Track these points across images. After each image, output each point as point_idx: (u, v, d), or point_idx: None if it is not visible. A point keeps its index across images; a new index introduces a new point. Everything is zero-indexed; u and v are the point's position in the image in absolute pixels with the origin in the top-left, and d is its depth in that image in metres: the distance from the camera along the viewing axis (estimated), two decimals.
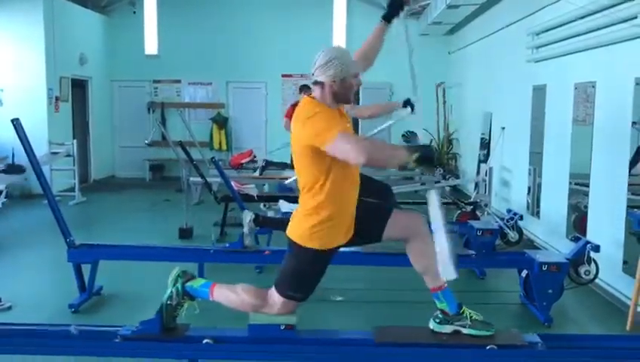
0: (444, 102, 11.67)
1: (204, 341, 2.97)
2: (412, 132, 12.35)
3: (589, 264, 4.62)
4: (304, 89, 8.84)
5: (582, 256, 4.60)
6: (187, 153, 6.88)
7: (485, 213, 7.15)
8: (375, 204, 3.13)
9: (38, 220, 8.01)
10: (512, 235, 6.36)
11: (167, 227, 7.44)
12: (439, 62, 12.22)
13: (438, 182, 2.57)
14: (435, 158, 2.64)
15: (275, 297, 2.92)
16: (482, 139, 9.43)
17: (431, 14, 10.47)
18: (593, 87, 5.47)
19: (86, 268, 4.73)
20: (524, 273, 4.74)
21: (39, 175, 4.38)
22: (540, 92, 6.91)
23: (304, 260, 2.84)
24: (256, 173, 8.64)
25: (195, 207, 8.85)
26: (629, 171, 4.79)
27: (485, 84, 9.59)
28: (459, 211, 7.29)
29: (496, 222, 6.26)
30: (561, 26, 6.16)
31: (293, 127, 2.77)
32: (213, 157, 6.54)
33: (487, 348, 2.89)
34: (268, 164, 8.62)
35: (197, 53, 12.59)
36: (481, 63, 9.92)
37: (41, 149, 8.75)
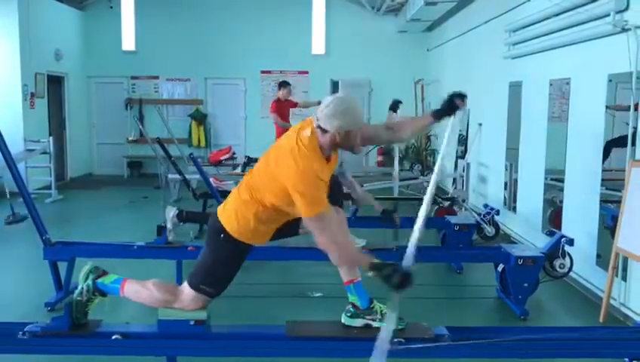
0: (423, 99, 11.73)
1: (114, 337, 2.95)
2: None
3: (564, 258, 4.71)
4: (283, 85, 8.87)
5: (557, 249, 4.68)
6: (165, 150, 6.85)
7: (462, 208, 7.21)
8: None
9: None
10: (489, 230, 6.43)
11: (146, 224, 7.38)
12: (418, 58, 12.30)
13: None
14: (397, 283, 2.63)
15: (187, 292, 2.93)
16: (460, 135, 9.50)
17: (409, 11, 10.52)
18: (568, 83, 5.55)
19: (62, 266, 4.68)
20: (500, 267, 4.79)
21: (14, 173, 4.33)
22: (516, 88, 6.99)
23: (223, 247, 2.87)
24: (238, 170, 8.63)
25: (173, 204, 8.79)
26: (602, 164, 4.87)
27: (463, 80, 9.65)
28: (436, 206, 7.34)
29: (474, 217, 6.34)
30: (537, 23, 6.23)
31: (282, 152, 2.75)
32: (191, 154, 6.51)
33: (395, 340, 2.91)
34: (250, 161, 8.61)
35: (175, 49, 12.51)
36: (459, 60, 10.00)
37: (16, 146, 8.64)
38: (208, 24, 12.43)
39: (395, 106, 7.80)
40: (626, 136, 4.44)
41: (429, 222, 6.79)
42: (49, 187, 9.56)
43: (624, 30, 4.46)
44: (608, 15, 4.68)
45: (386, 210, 4.85)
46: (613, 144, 4.78)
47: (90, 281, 3.02)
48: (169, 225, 5.03)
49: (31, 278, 5.48)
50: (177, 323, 2.95)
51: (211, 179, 6.50)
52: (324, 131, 2.75)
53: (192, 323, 2.95)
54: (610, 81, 4.77)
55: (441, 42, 11.26)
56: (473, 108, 8.96)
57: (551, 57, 5.98)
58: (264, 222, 2.88)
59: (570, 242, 4.67)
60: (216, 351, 3.02)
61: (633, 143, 4.38)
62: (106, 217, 8.40)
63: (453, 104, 2.95)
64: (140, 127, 9.01)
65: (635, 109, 4.33)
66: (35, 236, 4.61)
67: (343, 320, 3.08)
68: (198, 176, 6.80)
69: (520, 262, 4.45)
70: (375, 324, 3.02)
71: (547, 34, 5.97)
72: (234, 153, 9.86)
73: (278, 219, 2.93)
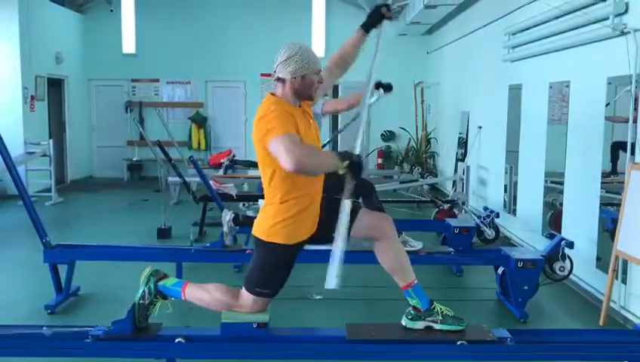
0: (422, 102, 11.75)
1: (177, 340, 2.97)
2: (391, 131, 12.45)
3: (564, 260, 4.70)
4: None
5: (557, 252, 4.67)
6: (165, 153, 6.84)
7: (462, 211, 7.22)
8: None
9: (14, 221, 7.91)
10: (489, 233, 6.43)
11: (146, 227, 7.40)
12: (417, 61, 12.33)
13: (352, 196, 2.57)
14: (362, 168, 2.67)
15: (245, 295, 2.93)
16: (460, 138, 9.52)
17: (409, 14, 10.54)
18: (567, 86, 5.55)
19: (63, 269, 4.68)
20: (500, 270, 4.80)
21: (14, 175, 4.33)
22: (516, 91, 7.00)
23: (268, 256, 2.86)
24: (220, 172, 8.62)
25: (173, 207, 8.82)
26: (614, 170, 4.86)
27: (462, 83, 9.68)
28: (437, 209, 7.36)
29: (474, 219, 6.34)
30: (536, 26, 6.24)
31: (255, 121, 2.77)
32: (191, 157, 6.51)
33: (458, 343, 2.93)
34: (234, 163, 8.59)
35: (175, 52, 12.53)
36: (459, 63, 10.01)
37: (16, 149, 8.65)
38: (208, 27, 12.46)
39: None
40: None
41: (429, 225, 6.89)
42: (49, 190, 9.57)
43: (623, 33, 4.47)
44: (607, 18, 4.69)
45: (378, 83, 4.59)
46: (621, 146, 4.76)
47: (151, 284, 3.02)
48: (225, 229, 5.01)
49: (31, 281, 5.48)
50: (240, 326, 2.96)
51: (211, 182, 6.50)
52: (282, 82, 2.78)
53: (254, 325, 2.96)
54: (609, 83, 4.77)
55: (440, 45, 11.28)
56: (473, 111, 8.99)
57: (550, 60, 5.99)
58: (287, 208, 2.80)
59: (570, 245, 4.67)
60: (278, 354, 3.03)
61: (632, 146, 4.38)
62: (107, 220, 8.40)
63: (379, 13, 3.06)
64: (141, 129, 9.01)
65: (635, 111, 4.33)
66: (35, 239, 4.62)
67: (403, 323, 3.05)
68: (198, 179, 6.80)
69: (520, 264, 4.45)
70: (437, 326, 3.00)
71: (547, 37, 5.98)
72: (234, 156, 9.86)
73: (293, 193, 2.80)
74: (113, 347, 2.98)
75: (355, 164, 2.66)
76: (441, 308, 3.03)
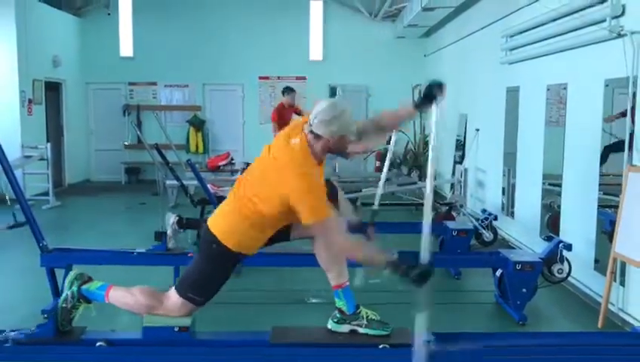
0: None
1: (98, 344, 2.95)
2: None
3: (562, 263, 4.70)
4: (287, 91, 8.81)
5: (555, 255, 4.67)
6: (163, 156, 6.84)
7: (461, 213, 7.21)
8: None
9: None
10: (487, 235, 6.43)
11: (143, 230, 7.36)
12: (415, 64, 12.32)
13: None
14: (417, 277, 2.67)
15: (173, 298, 2.91)
16: (457, 140, 9.51)
17: (407, 17, 10.56)
18: (565, 88, 5.56)
19: (60, 273, 4.66)
20: (498, 272, 4.79)
21: (11, 179, 4.31)
22: (513, 94, 7.00)
23: (215, 257, 2.86)
24: (237, 176, 8.61)
25: (171, 210, 8.79)
26: (600, 167, 4.87)
27: (460, 86, 9.67)
28: (435, 212, 7.34)
29: (472, 222, 6.34)
30: (533, 28, 6.25)
31: (278, 165, 2.76)
32: (188, 160, 6.50)
33: (380, 347, 2.92)
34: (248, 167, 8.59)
35: (173, 55, 12.52)
36: (457, 65, 10.02)
37: (14, 153, 8.64)
38: (206, 30, 12.45)
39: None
40: (623, 142, 4.44)
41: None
42: (47, 193, 9.56)
43: (620, 35, 4.47)
44: (604, 20, 4.69)
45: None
46: (611, 149, 4.79)
47: (75, 288, 3.01)
48: (169, 232, 5.01)
49: (28, 285, 5.46)
50: (162, 329, 2.94)
51: (209, 185, 6.49)
52: (317, 137, 2.78)
53: (176, 329, 2.94)
54: (606, 86, 4.77)
55: (438, 48, 11.29)
56: (471, 114, 8.99)
57: (548, 62, 5.99)
58: (260, 231, 2.88)
59: (569, 247, 4.67)
60: (200, 358, 3.01)
61: (630, 148, 4.38)
62: (104, 223, 8.38)
63: (432, 93, 3.01)
64: (138, 133, 9.01)
65: (632, 114, 4.34)
66: (32, 243, 4.59)
67: (329, 326, 3.07)
68: (195, 182, 6.79)
69: (518, 267, 4.44)
70: (361, 330, 3.01)
71: (544, 39, 5.98)
72: (232, 159, 9.85)
73: (274, 226, 2.92)
74: (34, 351, 2.96)
75: (413, 274, 2.69)
76: (366, 312, 3.05)
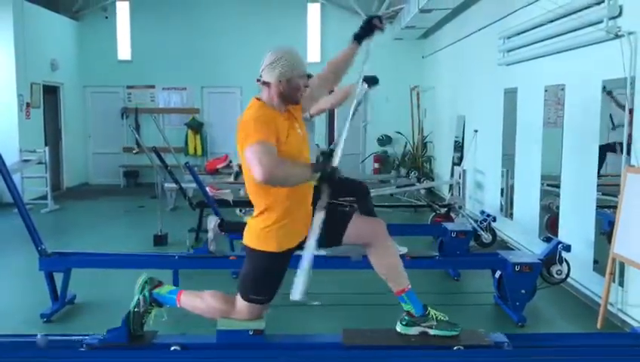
0: (419, 106, 11.76)
1: (172, 348, 2.94)
2: (387, 136, 12.46)
3: (561, 264, 4.71)
4: None
5: (554, 256, 4.68)
6: (161, 159, 6.83)
7: (459, 215, 7.22)
8: (336, 206, 3.14)
9: (9, 229, 7.87)
10: (486, 236, 6.43)
11: (142, 234, 7.38)
12: (413, 66, 12.34)
13: (325, 207, 2.54)
14: (336, 179, 2.62)
15: (240, 302, 2.91)
16: (456, 142, 9.52)
17: (404, 19, 10.56)
18: (562, 89, 5.56)
19: (59, 277, 4.66)
20: (497, 274, 4.79)
21: (9, 183, 4.31)
22: (511, 95, 7.01)
23: (259, 263, 2.84)
24: (231, 179, 8.61)
25: (170, 213, 8.80)
26: (599, 170, 4.88)
27: (458, 87, 9.69)
28: (433, 213, 7.35)
29: (470, 223, 6.34)
30: (531, 29, 6.26)
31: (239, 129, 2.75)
32: (186, 163, 6.51)
33: (455, 348, 2.92)
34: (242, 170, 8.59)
35: (171, 58, 12.52)
36: (454, 67, 10.03)
37: (11, 157, 8.62)
38: (204, 33, 12.46)
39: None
40: (620, 142, 4.45)
41: (426, 230, 6.88)
42: (45, 197, 9.55)
43: (618, 36, 4.48)
44: (602, 21, 4.70)
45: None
46: (608, 149, 4.79)
47: (146, 292, 3.00)
48: (210, 235, 5.00)
49: (27, 289, 5.46)
50: (236, 333, 2.94)
51: (208, 188, 6.49)
52: (266, 84, 2.79)
53: (250, 333, 2.94)
54: (604, 86, 4.78)
55: (436, 49, 11.30)
56: (469, 115, 9.00)
57: (545, 64, 6.00)
58: (273, 219, 2.79)
59: (567, 248, 4.68)
60: (274, 361, 3.00)
61: (628, 149, 4.38)
62: (103, 227, 8.38)
63: (371, 25, 3.08)
64: (137, 136, 9.00)
65: (630, 115, 4.34)
66: (30, 246, 4.60)
67: (398, 329, 3.02)
68: (194, 185, 6.79)
69: (517, 268, 4.44)
70: (432, 332, 2.98)
71: (541, 40, 5.99)
72: (230, 161, 9.85)
73: (276, 202, 2.79)
74: (108, 356, 2.95)
75: (327, 176, 2.61)
76: (435, 314, 3.02)
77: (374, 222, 3.03)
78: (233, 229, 5.43)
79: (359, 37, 3.13)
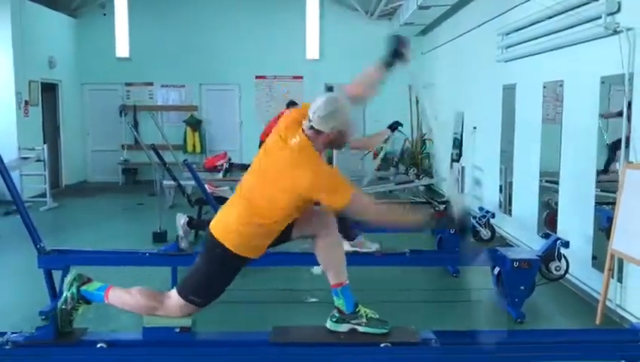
0: (417, 103, 11.75)
1: (98, 345, 2.92)
2: (398, 122, 12.38)
3: (560, 260, 4.71)
4: (291, 105, 8.84)
5: (552, 252, 4.68)
6: (160, 156, 6.82)
7: None
8: None
9: (8, 227, 7.86)
10: (485, 233, 6.43)
11: (141, 231, 7.37)
12: (412, 62, 12.28)
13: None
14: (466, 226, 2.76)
15: (174, 299, 2.89)
16: (455, 138, 9.52)
17: (403, 15, 10.55)
18: (561, 86, 5.56)
19: (57, 275, 4.65)
20: (496, 270, 4.79)
21: (8, 181, 4.30)
22: (510, 91, 7.00)
23: (219, 260, 2.84)
24: (220, 175, 8.60)
25: (168, 211, 8.78)
26: (606, 171, 4.86)
27: (457, 84, 9.69)
28: (432, 210, 7.34)
29: None
30: (529, 26, 6.25)
31: (283, 166, 2.77)
32: (185, 160, 6.49)
33: (382, 345, 2.91)
34: (231, 166, 8.57)
35: (169, 55, 12.50)
36: (453, 63, 10.02)
37: (10, 154, 8.61)
38: (202, 30, 12.43)
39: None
40: (628, 139, 4.44)
41: None
42: (44, 195, 9.53)
43: (616, 32, 4.47)
44: (600, 17, 4.70)
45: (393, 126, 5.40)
46: (618, 146, 4.77)
47: (74, 289, 2.99)
48: (180, 233, 4.99)
49: (25, 287, 5.45)
50: (162, 330, 2.93)
51: (206, 185, 6.48)
52: (318, 132, 2.79)
53: (177, 330, 2.93)
54: (602, 83, 4.78)
55: (434, 46, 11.28)
56: (467, 112, 9.00)
57: (544, 60, 6.00)
58: (267, 234, 2.87)
59: (566, 244, 4.67)
60: (201, 359, 3.00)
61: (627, 146, 4.38)
62: (101, 224, 8.37)
63: (397, 53, 3.12)
64: (135, 133, 8.99)
65: (628, 111, 4.34)
66: (29, 244, 4.59)
67: (328, 326, 3.04)
68: (193, 183, 6.78)
69: (516, 264, 4.44)
70: (361, 329, 2.99)
71: (540, 37, 5.99)
72: (229, 158, 9.84)
73: (282, 226, 2.89)
74: (33, 353, 2.93)
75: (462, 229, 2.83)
76: (365, 311, 3.03)
77: (319, 214, 3.02)
78: (203, 227, 5.42)
79: (388, 64, 3.12)
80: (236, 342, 3.11)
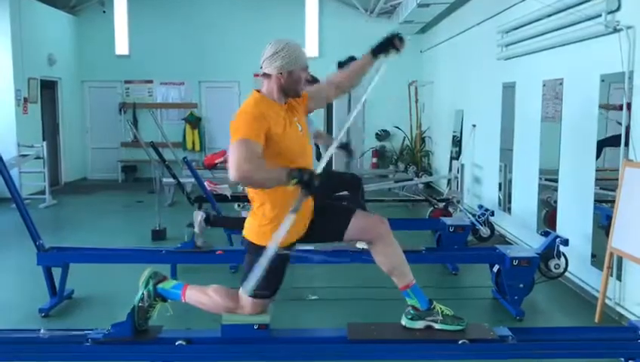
0: (417, 101, 11.75)
1: (177, 342, 2.94)
2: (385, 131, 12.46)
3: (559, 258, 4.71)
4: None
5: (552, 250, 4.68)
6: (159, 154, 6.82)
7: (457, 209, 7.22)
8: (336, 203, 3.14)
9: (7, 224, 7.87)
10: (484, 231, 6.43)
11: (141, 229, 7.37)
12: (411, 60, 12.30)
13: (296, 210, 2.50)
14: (315, 185, 2.51)
15: (243, 297, 2.91)
16: (454, 136, 9.52)
17: (402, 13, 10.54)
18: (561, 84, 5.56)
19: (57, 272, 4.66)
20: (495, 268, 4.79)
21: (7, 178, 4.30)
22: (509, 89, 7.00)
23: (259, 256, 2.79)
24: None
25: (168, 208, 8.80)
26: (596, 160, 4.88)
27: (456, 82, 9.68)
28: (431, 208, 7.35)
29: (468, 218, 6.34)
30: (529, 24, 6.24)
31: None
32: (184, 158, 6.50)
33: (460, 342, 2.92)
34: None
35: (169, 52, 12.49)
36: (453, 61, 10.01)
37: (9, 152, 8.62)
38: (202, 28, 12.43)
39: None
40: (618, 136, 4.45)
41: (424, 224, 6.88)
42: (43, 192, 9.54)
43: (616, 30, 4.47)
44: (600, 15, 4.69)
45: (343, 143, 5.13)
46: (605, 143, 4.80)
47: (150, 287, 2.99)
48: (197, 230, 4.99)
49: (25, 284, 5.46)
50: (241, 327, 2.94)
51: (206, 183, 6.48)
52: (267, 76, 2.77)
53: (255, 327, 2.94)
54: (602, 81, 4.78)
55: (434, 44, 11.28)
56: (467, 110, 8.99)
57: (544, 58, 6.00)
58: (272, 217, 2.80)
59: (565, 242, 4.68)
60: (279, 354, 3.02)
61: (626, 144, 4.38)
62: (101, 222, 8.37)
63: (391, 42, 3.06)
64: (134, 131, 8.99)
65: (628, 109, 4.34)
66: (28, 241, 4.59)
67: (403, 323, 3.03)
68: (192, 180, 6.78)
69: (515, 262, 4.45)
70: (437, 326, 2.99)
71: (540, 35, 5.98)
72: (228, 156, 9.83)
73: (273, 198, 2.78)
74: (113, 350, 2.95)
75: (304, 183, 2.52)
76: (441, 308, 3.02)
77: (377, 219, 3.02)
78: (220, 224, 5.43)
79: (376, 51, 3.10)
80: (314, 338, 3.15)
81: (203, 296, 2.99)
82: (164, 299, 3.04)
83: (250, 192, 2.84)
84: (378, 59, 3.11)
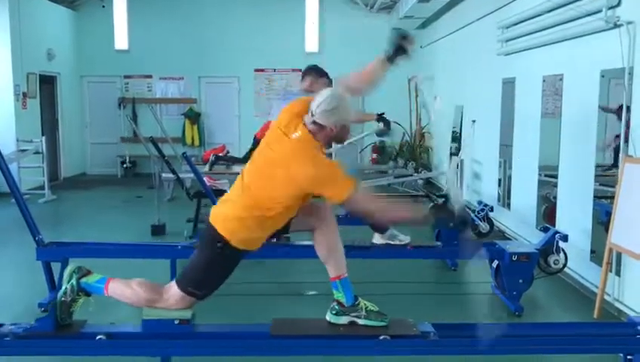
0: (417, 96, 11.73)
1: (98, 337, 2.92)
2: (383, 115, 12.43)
3: (558, 253, 4.72)
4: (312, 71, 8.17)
5: (551, 245, 4.69)
6: (158, 149, 6.81)
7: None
8: None
9: (6, 219, 7.86)
10: (483, 226, 6.44)
11: (140, 224, 7.37)
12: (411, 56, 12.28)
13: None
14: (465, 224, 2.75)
15: (173, 291, 2.91)
16: (453, 132, 9.51)
17: (402, 8, 10.52)
18: (561, 79, 5.55)
19: (56, 267, 4.65)
20: (495, 263, 4.79)
21: (6, 173, 4.30)
22: (509, 85, 6.99)
23: (219, 253, 2.85)
24: (206, 168, 8.54)
25: (167, 204, 8.79)
26: (615, 163, 4.84)
27: (456, 77, 9.67)
28: (431, 204, 7.35)
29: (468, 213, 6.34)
30: (529, 19, 6.23)
31: (287, 155, 2.79)
32: (184, 153, 6.48)
33: (381, 338, 2.92)
34: (217, 159, 8.51)
35: (168, 47, 12.47)
36: (453, 57, 9.99)
37: (8, 147, 8.61)
38: (201, 22, 12.40)
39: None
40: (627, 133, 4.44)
41: None
42: (42, 187, 9.52)
43: (616, 26, 4.46)
44: (600, 11, 4.68)
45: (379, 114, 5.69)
46: None
47: (74, 281, 2.99)
48: None
49: (24, 279, 5.46)
50: (162, 322, 2.93)
51: (205, 178, 6.47)
52: (320, 127, 2.82)
53: (176, 322, 2.93)
54: (602, 76, 4.77)
55: (434, 39, 11.25)
56: (467, 105, 8.98)
57: (544, 54, 5.98)
58: (267, 227, 2.90)
59: (565, 238, 4.68)
60: (200, 350, 3.01)
61: (626, 140, 4.38)
62: (100, 217, 8.37)
63: (401, 47, 3.17)
64: (134, 126, 8.98)
65: (628, 107, 4.34)
66: (27, 236, 4.59)
67: (327, 318, 3.06)
68: (191, 175, 6.77)
69: (514, 258, 4.45)
70: (360, 322, 3.01)
71: (540, 30, 5.97)
72: (228, 151, 9.82)
73: (285, 220, 2.94)
74: (33, 345, 2.93)
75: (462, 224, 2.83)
76: (365, 304, 3.04)
77: (318, 207, 3.05)
78: None
79: (392, 58, 3.19)
80: (236, 334, 3.12)
81: (126, 288, 2.98)
82: (88, 294, 3.02)
83: (266, 202, 2.84)
84: (393, 64, 3.20)
